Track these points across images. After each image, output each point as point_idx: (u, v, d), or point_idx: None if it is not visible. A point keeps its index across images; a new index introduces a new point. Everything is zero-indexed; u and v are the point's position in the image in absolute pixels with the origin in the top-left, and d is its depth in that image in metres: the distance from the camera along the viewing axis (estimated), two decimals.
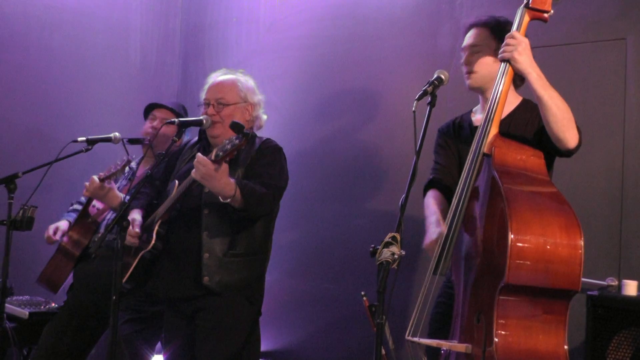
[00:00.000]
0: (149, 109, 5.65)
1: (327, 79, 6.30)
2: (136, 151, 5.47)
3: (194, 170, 4.05)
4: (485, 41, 3.97)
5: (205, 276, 4.26)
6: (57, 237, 5.26)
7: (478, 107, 4.15)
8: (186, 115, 5.56)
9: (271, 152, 4.50)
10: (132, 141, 5.26)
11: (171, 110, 5.54)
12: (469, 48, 4.01)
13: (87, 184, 4.85)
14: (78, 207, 5.51)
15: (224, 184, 4.07)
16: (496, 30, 3.96)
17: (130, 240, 4.31)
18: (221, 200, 4.13)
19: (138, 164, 5.38)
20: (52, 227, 5.29)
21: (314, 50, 6.38)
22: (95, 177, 4.84)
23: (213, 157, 3.98)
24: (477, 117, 4.08)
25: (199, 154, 4.06)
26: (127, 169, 5.07)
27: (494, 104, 3.56)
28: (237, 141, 3.91)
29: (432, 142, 4.22)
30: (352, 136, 6.09)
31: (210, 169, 3.98)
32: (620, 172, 4.84)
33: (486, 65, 3.87)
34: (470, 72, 3.97)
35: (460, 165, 4.01)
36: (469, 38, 4.04)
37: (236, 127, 3.97)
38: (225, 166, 4.02)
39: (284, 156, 4.57)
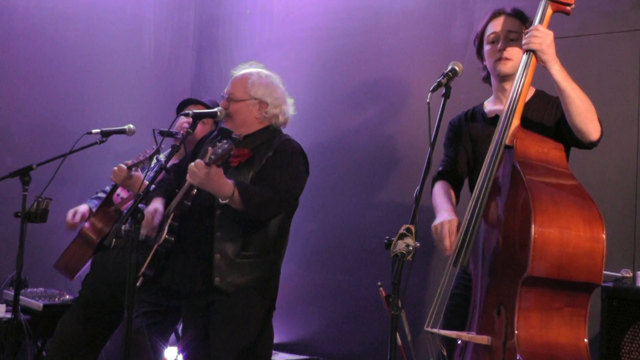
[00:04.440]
0: (184, 105, 5.63)
1: (341, 71, 6.30)
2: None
3: (188, 174, 4.11)
4: (520, 30, 3.93)
5: (217, 277, 4.28)
6: (77, 219, 5.28)
7: (490, 99, 4.13)
8: None
9: (288, 154, 4.46)
10: (163, 133, 5.25)
11: (206, 106, 5.50)
12: (506, 33, 3.94)
13: (115, 169, 4.88)
14: (102, 195, 5.51)
15: (220, 185, 4.11)
16: (525, 24, 3.94)
17: (148, 231, 4.34)
18: (220, 201, 4.17)
19: (167, 158, 5.39)
20: (71, 211, 5.31)
21: (328, 42, 6.37)
22: (123, 165, 4.87)
23: (207, 160, 4.02)
24: (490, 109, 4.07)
25: (196, 161, 4.10)
26: (155, 161, 5.08)
27: (517, 95, 3.54)
28: (226, 146, 3.98)
29: (446, 131, 4.22)
30: (366, 128, 6.09)
31: (203, 173, 4.03)
32: (635, 164, 4.83)
33: (519, 54, 3.81)
34: (507, 59, 3.91)
35: (475, 158, 4.02)
36: (504, 24, 3.97)
37: (223, 132, 4.13)
38: (217, 169, 4.05)
39: (302, 159, 4.55)
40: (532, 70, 3.57)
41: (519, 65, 3.61)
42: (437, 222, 3.70)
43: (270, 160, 4.40)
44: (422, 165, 3.38)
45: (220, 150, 3.98)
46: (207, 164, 4.00)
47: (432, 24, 5.81)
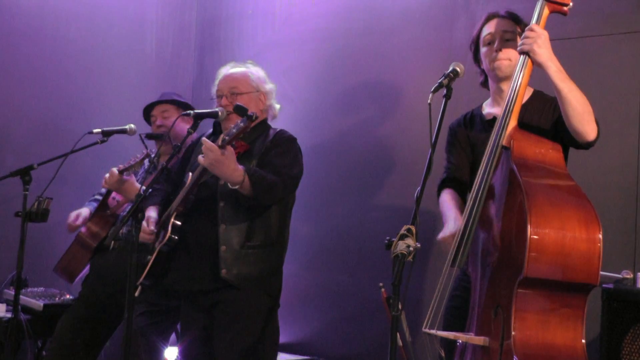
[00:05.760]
0: (147, 111, 5.62)
1: (343, 71, 6.30)
2: (152, 146, 5.48)
3: (200, 156, 4.08)
4: (516, 31, 3.94)
5: (223, 269, 4.28)
6: (79, 222, 5.28)
7: (488, 101, 4.14)
8: (184, 100, 5.59)
9: (285, 142, 4.53)
10: (150, 136, 5.27)
11: (178, 103, 5.53)
12: (501, 34, 3.96)
13: (106, 176, 4.88)
14: (100, 197, 5.52)
15: (232, 169, 4.10)
16: (519, 25, 3.97)
17: (145, 237, 4.33)
18: (230, 187, 4.16)
19: (158, 158, 5.38)
20: (73, 214, 5.32)
21: (330, 43, 6.37)
22: (115, 169, 4.87)
23: (220, 143, 4.02)
24: (488, 111, 4.07)
25: (206, 140, 4.09)
26: (146, 162, 5.08)
27: (514, 96, 3.54)
28: (242, 124, 3.98)
29: (446, 136, 4.22)
30: (367, 128, 6.09)
31: (217, 154, 4.01)
32: (636, 165, 4.82)
33: (515, 55, 3.81)
34: (503, 59, 3.91)
35: (474, 161, 4.02)
36: (498, 25, 3.98)
37: (240, 110, 4.07)
38: (231, 150, 4.05)
39: (298, 146, 4.60)
40: (529, 71, 3.56)
41: (516, 66, 3.62)
42: (443, 234, 3.71)
43: (269, 149, 4.46)
44: (423, 166, 3.37)
45: (235, 130, 3.99)
46: (221, 146, 4.00)
47: (434, 25, 5.80)
